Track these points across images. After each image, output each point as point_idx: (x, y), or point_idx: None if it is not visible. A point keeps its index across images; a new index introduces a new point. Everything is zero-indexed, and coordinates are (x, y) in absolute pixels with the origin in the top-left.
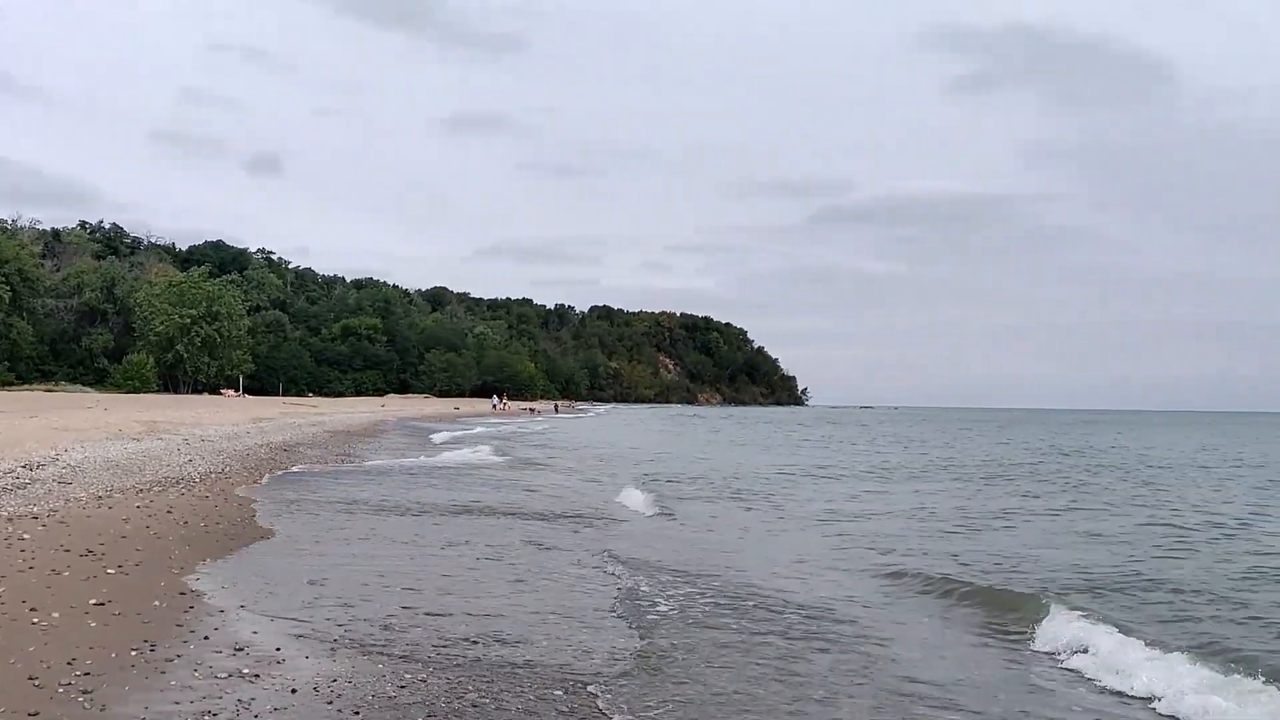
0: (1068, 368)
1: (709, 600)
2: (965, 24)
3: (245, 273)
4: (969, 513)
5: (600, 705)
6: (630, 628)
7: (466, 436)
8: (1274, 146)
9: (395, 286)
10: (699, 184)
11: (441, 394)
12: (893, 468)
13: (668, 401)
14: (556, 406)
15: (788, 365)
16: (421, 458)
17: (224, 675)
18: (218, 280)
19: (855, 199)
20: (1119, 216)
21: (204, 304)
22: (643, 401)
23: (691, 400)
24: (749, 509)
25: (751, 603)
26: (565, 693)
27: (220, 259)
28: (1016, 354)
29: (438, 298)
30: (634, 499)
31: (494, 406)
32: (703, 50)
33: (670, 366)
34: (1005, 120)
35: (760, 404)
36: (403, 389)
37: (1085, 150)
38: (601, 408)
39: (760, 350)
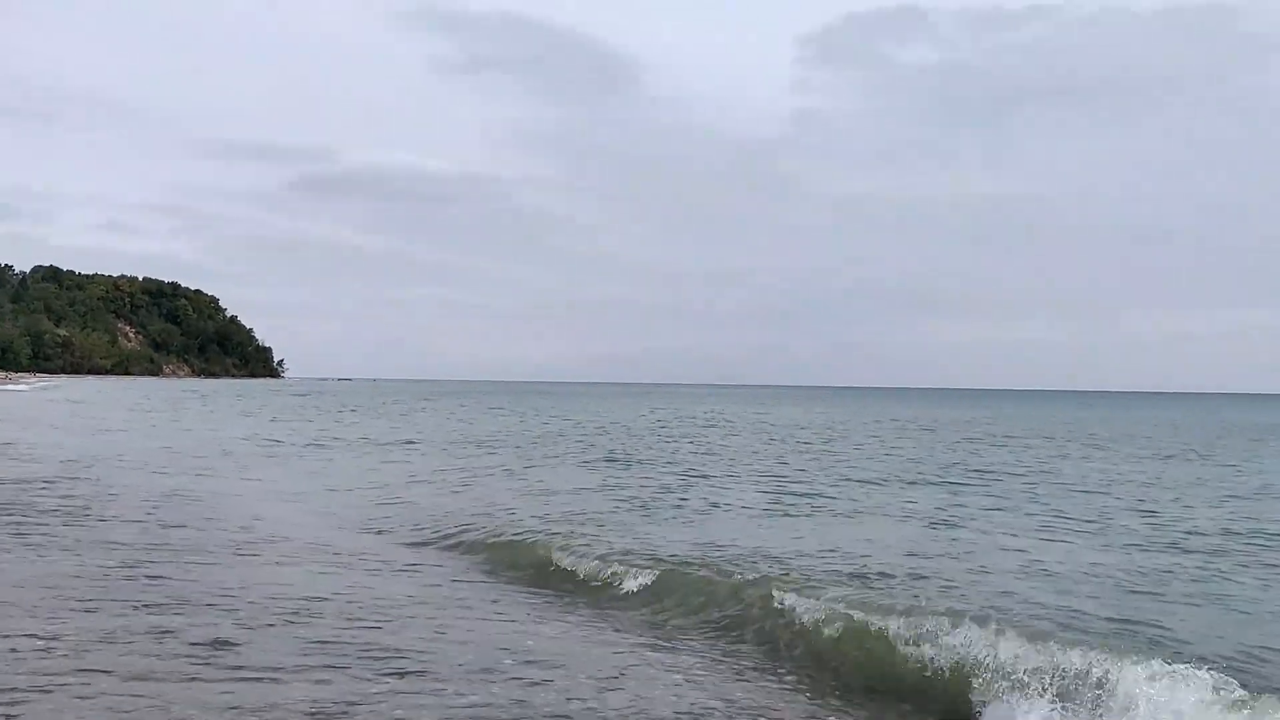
0: (546, 343)
1: None
2: (454, 7)
3: None
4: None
5: None
6: None
7: None
8: (717, 148)
9: None
10: (168, 141)
11: None
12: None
13: (128, 373)
14: None
15: (263, 336)
16: None
17: None
18: None
19: (337, 169)
20: (591, 203)
21: None
22: (98, 373)
23: (156, 372)
24: None
25: None
26: None
27: None
28: (494, 329)
29: None
30: None
31: None
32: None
33: (132, 335)
34: (489, 103)
35: (233, 376)
36: None
37: (562, 138)
38: (43, 380)
39: (234, 320)
